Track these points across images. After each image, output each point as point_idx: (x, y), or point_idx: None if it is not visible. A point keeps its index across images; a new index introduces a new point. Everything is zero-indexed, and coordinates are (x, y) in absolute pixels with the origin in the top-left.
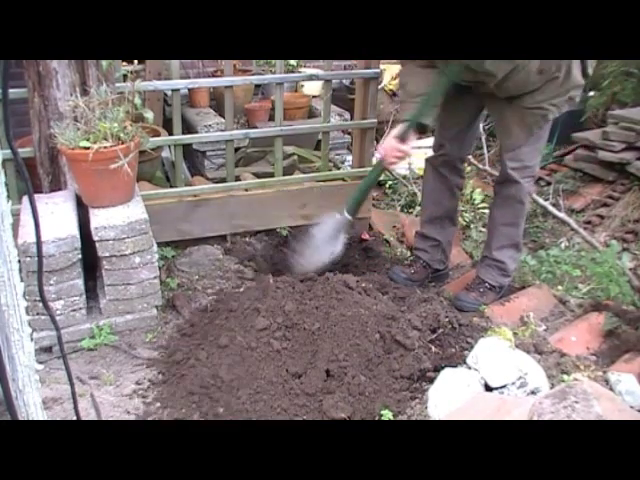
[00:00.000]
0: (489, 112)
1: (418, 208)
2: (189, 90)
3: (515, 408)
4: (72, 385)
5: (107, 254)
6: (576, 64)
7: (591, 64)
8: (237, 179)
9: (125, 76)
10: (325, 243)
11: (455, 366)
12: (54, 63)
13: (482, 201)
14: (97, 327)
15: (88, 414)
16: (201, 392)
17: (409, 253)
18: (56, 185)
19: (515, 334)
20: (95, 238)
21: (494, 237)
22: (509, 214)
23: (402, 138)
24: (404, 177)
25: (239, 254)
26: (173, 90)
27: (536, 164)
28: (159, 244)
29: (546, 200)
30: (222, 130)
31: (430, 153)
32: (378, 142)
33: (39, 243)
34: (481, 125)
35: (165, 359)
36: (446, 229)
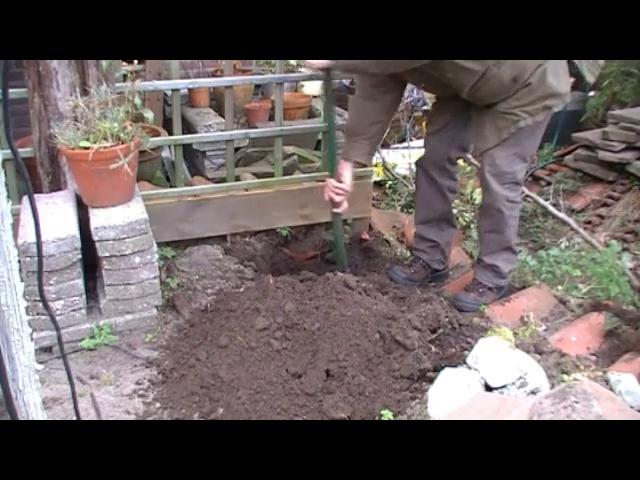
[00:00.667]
0: (471, 116)
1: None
2: (189, 90)
3: (515, 408)
4: (72, 385)
5: (107, 254)
6: (552, 71)
7: (590, 70)
8: (237, 179)
9: (125, 76)
10: None
11: (455, 366)
12: (54, 63)
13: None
14: (97, 327)
15: (88, 414)
16: (201, 392)
17: (409, 253)
18: (56, 185)
19: (515, 334)
20: (95, 238)
21: (482, 243)
22: (489, 222)
23: (335, 177)
24: (404, 177)
25: (239, 254)
26: (173, 90)
27: (517, 171)
28: (159, 244)
29: (546, 200)
30: (222, 130)
31: None
32: None
33: (39, 243)
34: None
35: (165, 359)
36: (444, 231)
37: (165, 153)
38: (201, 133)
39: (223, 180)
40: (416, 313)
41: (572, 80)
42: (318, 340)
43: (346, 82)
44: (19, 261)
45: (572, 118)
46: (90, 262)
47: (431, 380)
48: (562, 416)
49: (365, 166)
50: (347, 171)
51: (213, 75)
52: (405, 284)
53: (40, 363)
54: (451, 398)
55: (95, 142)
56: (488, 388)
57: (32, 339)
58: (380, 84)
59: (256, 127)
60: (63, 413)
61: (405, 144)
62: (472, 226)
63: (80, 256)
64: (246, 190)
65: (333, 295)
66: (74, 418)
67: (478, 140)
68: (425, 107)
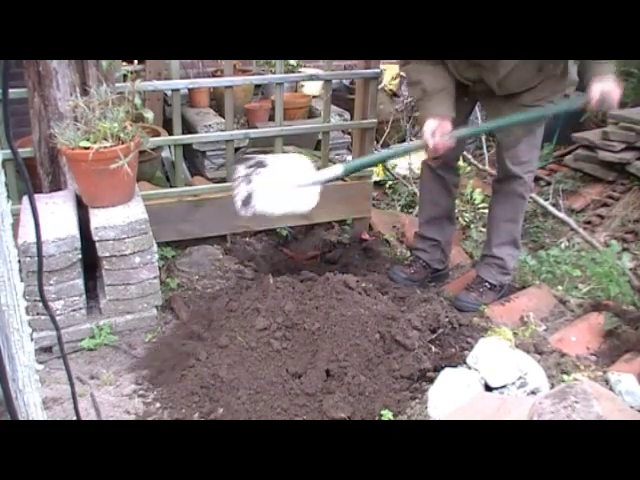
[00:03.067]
0: (486, 111)
1: (418, 208)
2: (189, 90)
3: (515, 408)
4: (72, 385)
5: (107, 254)
6: (572, 61)
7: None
8: None
9: (125, 76)
10: (294, 188)
11: (455, 366)
12: (54, 63)
13: (482, 201)
14: (97, 327)
15: (88, 414)
16: (201, 392)
17: (409, 253)
18: (56, 185)
19: (515, 334)
20: (95, 238)
21: (494, 234)
22: (510, 210)
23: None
24: (404, 177)
25: (239, 254)
26: (173, 90)
27: (534, 159)
28: (159, 244)
29: (546, 200)
30: (222, 130)
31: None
32: (378, 142)
33: (39, 243)
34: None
35: (165, 359)
36: (445, 229)
37: (165, 153)
38: (201, 133)
39: (223, 180)
40: (416, 313)
41: None
42: (318, 340)
43: (346, 82)
44: (19, 261)
45: (572, 118)
46: (90, 262)
47: (431, 380)
48: (562, 416)
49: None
50: (448, 126)
51: (213, 75)
52: (405, 284)
53: (40, 363)
54: (451, 398)
55: (95, 142)
56: (488, 388)
57: (32, 339)
58: None
59: (256, 127)
60: (63, 413)
61: (405, 144)
62: (472, 226)
63: (80, 256)
64: None
65: (333, 295)
66: (74, 418)
67: (505, 135)
68: None
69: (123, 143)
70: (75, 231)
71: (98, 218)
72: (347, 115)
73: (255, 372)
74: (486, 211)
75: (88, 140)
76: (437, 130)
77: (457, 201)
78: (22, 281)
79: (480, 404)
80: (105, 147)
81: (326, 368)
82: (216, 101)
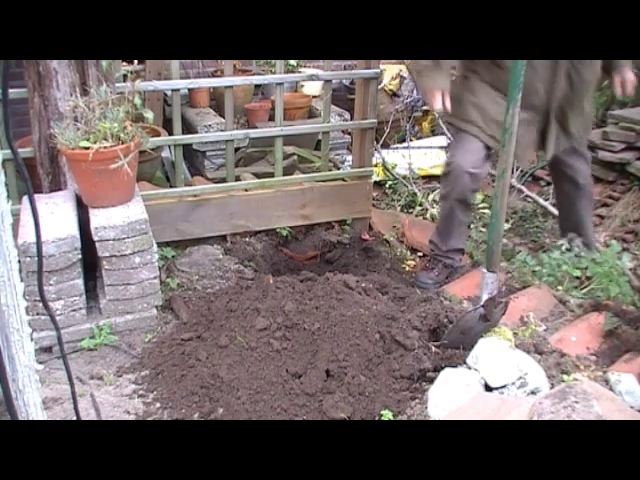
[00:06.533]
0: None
1: (418, 208)
2: (189, 90)
3: (515, 408)
4: (72, 385)
5: (107, 254)
6: None
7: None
8: (237, 179)
9: (125, 76)
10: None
11: (455, 366)
12: (54, 63)
13: (482, 201)
14: (97, 327)
15: (88, 414)
16: (201, 392)
17: (409, 253)
18: (56, 185)
19: (515, 334)
20: (95, 238)
21: (587, 226)
22: (590, 203)
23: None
24: (404, 177)
25: (239, 254)
26: (173, 90)
27: None
28: (159, 244)
29: (546, 200)
30: (222, 130)
31: (427, 153)
32: (378, 142)
33: (39, 243)
34: None
35: (165, 359)
36: (465, 233)
37: (165, 153)
38: (201, 133)
39: (223, 180)
40: (416, 313)
41: None
42: (318, 340)
43: (346, 82)
44: (19, 261)
45: None
46: (90, 262)
47: (431, 380)
48: (562, 416)
49: None
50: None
51: (213, 75)
52: (431, 288)
53: (40, 363)
54: (451, 398)
55: (95, 142)
56: (488, 388)
57: (32, 339)
58: None
59: (256, 127)
60: (63, 413)
61: (405, 144)
62: (472, 226)
63: (80, 256)
64: (246, 190)
65: (333, 295)
66: (74, 418)
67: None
68: (425, 107)
69: (123, 143)
70: (75, 231)
71: (98, 218)
72: (347, 115)
73: (255, 372)
74: (486, 211)
75: (88, 140)
76: None
77: None
78: (22, 281)
79: (480, 404)
80: (105, 147)
81: (326, 368)
82: (216, 101)
